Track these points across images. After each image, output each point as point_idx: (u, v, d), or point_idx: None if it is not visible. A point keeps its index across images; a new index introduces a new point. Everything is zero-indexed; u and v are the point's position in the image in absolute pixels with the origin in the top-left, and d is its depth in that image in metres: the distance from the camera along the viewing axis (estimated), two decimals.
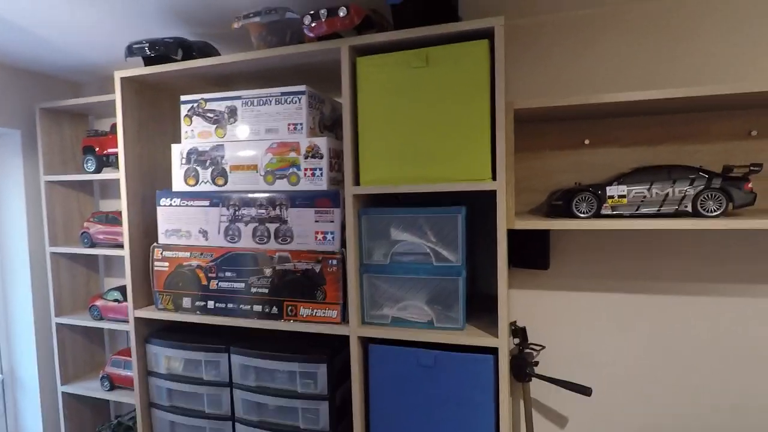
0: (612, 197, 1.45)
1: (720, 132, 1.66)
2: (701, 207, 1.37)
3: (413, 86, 1.42)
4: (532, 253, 1.78)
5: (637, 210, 1.43)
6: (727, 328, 1.71)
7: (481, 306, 1.70)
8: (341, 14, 1.42)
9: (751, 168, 1.35)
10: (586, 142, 1.79)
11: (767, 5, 1.62)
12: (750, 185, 1.36)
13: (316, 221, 1.61)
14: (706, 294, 1.73)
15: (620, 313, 1.82)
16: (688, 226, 1.33)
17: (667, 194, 1.40)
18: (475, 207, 1.82)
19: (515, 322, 1.91)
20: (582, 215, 1.48)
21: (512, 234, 1.76)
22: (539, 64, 1.85)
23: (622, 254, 1.80)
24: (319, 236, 1.61)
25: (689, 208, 1.39)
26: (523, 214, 1.73)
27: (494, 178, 1.36)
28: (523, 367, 1.71)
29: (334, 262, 1.57)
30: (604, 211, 1.46)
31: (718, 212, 1.36)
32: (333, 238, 1.59)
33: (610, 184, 1.46)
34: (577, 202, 1.48)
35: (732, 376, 1.71)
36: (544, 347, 1.85)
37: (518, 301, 1.93)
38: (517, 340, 1.83)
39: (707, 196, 1.37)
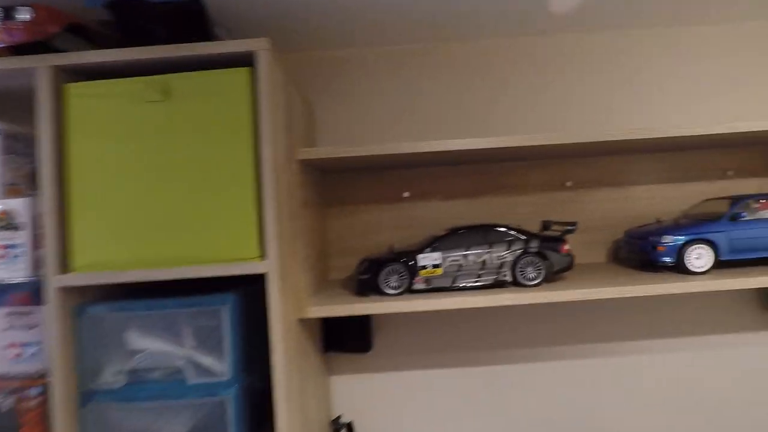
0: (425, 267, 1.17)
1: (537, 182, 1.54)
2: (521, 274, 1.16)
3: (149, 127, 0.99)
4: (350, 334, 1.43)
5: (453, 282, 1.17)
6: (568, 392, 1.55)
7: None
8: (22, 17, 0.94)
9: (567, 228, 1.19)
10: (406, 194, 1.54)
11: (588, 54, 1.57)
12: (567, 247, 1.20)
13: (9, 328, 1.04)
14: (546, 359, 1.56)
15: (459, 389, 1.55)
16: (506, 302, 1.10)
17: (484, 261, 1.17)
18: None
19: (339, 417, 1.52)
20: (392, 291, 1.17)
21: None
22: (349, 104, 1.58)
23: (454, 324, 1.56)
24: (14, 352, 1.04)
25: (508, 276, 1.16)
26: (333, 289, 1.37)
27: (264, 255, 0.97)
28: None
29: (37, 391, 1.01)
30: (417, 285, 1.17)
31: (538, 280, 1.16)
32: (36, 353, 1.03)
33: (422, 250, 1.18)
34: (385, 275, 1.17)
35: None
36: None
37: (341, 391, 1.55)
38: None
39: (526, 262, 1.16)
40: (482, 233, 1.20)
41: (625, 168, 1.54)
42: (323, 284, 1.42)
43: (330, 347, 1.45)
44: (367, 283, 1.19)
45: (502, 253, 1.18)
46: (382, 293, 1.18)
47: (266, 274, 0.96)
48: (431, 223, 1.54)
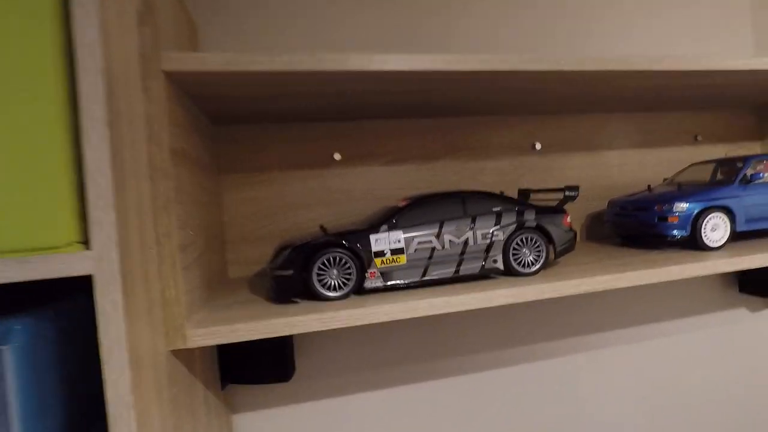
0: (382, 255, 0.76)
1: (502, 144, 1.22)
2: (515, 259, 0.82)
3: None
4: (262, 358, 0.97)
5: (424, 275, 0.78)
6: (542, 401, 1.27)
7: None
8: None
9: (568, 193, 0.87)
10: (336, 157, 1.11)
11: None
12: (569, 219, 0.88)
13: None
14: (512, 362, 1.25)
15: (405, 409, 1.18)
16: (506, 299, 0.75)
17: (466, 242, 0.80)
18: None
19: None
20: (332, 294, 0.74)
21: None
22: (247, 29, 1.10)
23: (404, 331, 1.18)
24: None
25: (500, 263, 0.81)
26: (232, 294, 0.91)
27: (87, 242, 0.49)
28: None
29: None
30: (371, 283, 0.76)
31: (538, 265, 0.83)
32: None
33: (375, 229, 0.77)
34: (321, 268, 0.74)
35: None
36: None
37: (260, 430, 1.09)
38: None
39: (522, 240, 0.82)
40: (460, 203, 0.83)
41: (597, 130, 1.29)
42: (218, 287, 0.94)
43: (232, 379, 0.98)
44: (290, 283, 0.75)
45: (491, 230, 0.82)
46: (316, 296, 0.75)
47: (92, 276, 0.48)
48: (370, 198, 1.14)
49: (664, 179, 1.20)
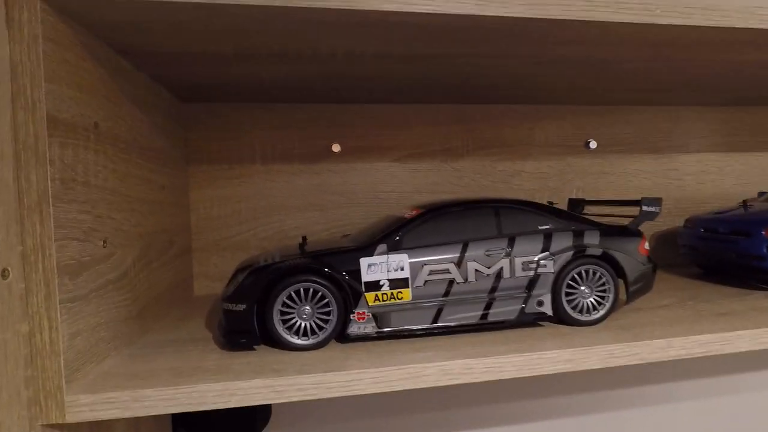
0: (376, 287, 0.53)
1: (546, 140, 0.97)
2: (570, 302, 0.57)
3: None
4: (220, 416, 0.75)
5: (436, 320, 0.54)
6: None
7: None
8: None
9: (648, 209, 0.61)
10: (335, 148, 0.89)
11: None
12: (646, 246, 0.62)
13: None
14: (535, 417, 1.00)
15: None
16: (561, 367, 0.50)
17: (500, 273, 0.55)
18: None
19: None
20: (301, 342, 0.51)
21: None
22: None
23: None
24: None
25: (547, 306, 0.56)
26: (185, 326, 0.69)
27: None
28: None
29: None
30: (357, 328, 0.53)
31: (604, 310, 0.58)
32: None
33: (369, 248, 0.54)
34: (284, 304, 0.51)
35: None
36: None
37: None
38: None
39: (581, 275, 0.57)
40: (492, 216, 0.59)
41: (669, 126, 1.02)
42: (163, 312, 0.72)
43: None
44: (242, 321, 0.52)
45: (536, 258, 0.57)
46: (278, 343, 0.53)
47: None
48: (376, 202, 0.91)
49: (761, 193, 0.92)
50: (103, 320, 0.50)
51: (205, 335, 0.60)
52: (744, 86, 0.86)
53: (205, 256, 0.86)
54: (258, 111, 0.86)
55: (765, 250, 0.71)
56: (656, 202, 0.63)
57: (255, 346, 0.54)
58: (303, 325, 0.52)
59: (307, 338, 0.52)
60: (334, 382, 0.46)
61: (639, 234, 0.62)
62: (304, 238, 0.62)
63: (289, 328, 0.52)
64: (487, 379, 0.48)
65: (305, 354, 0.51)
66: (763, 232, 0.72)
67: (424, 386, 0.47)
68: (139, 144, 0.62)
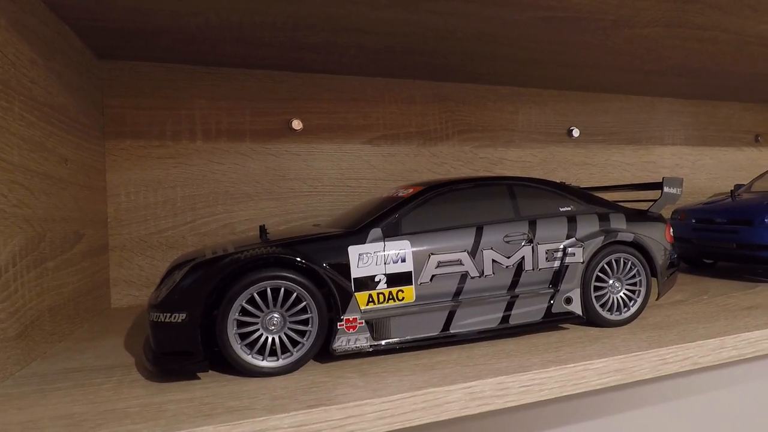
0: (370, 284, 0.39)
1: (529, 126, 0.88)
2: (599, 297, 0.47)
3: None
4: None
5: (448, 326, 0.42)
6: None
7: None
8: None
9: (666, 189, 0.54)
10: (296, 125, 0.74)
11: None
12: (671, 231, 0.54)
13: None
14: None
15: None
16: (610, 381, 0.39)
17: (521, 264, 0.44)
18: None
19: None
20: (267, 364, 0.36)
21: None
22: None
23: None
24: None
25: (576, 304, 0.46)
26: (80, 354, 0.50)
27: None
28: None
29: None
30: (347, 341, 0.39)
31: (634, 308, 0.48)
32: None
33: (361, 235, 0.40)
34: (244, 316, 0.36)
35: None
36: None
37: None
38: None
39: (611, 265, 0.47)
40: (507, 196, 0.47)
41: (646, 117, 0.98)
42: (80, 330, 0.53)
43: None
44: (181, 337, 0.36)
45: (562, 245, 0.46)
46: (235, 365, 0.37)
47: None
48: (344, 190, 0.77)
49: (737, 186, 0.90)
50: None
51: (124, 360, 0.43)
52: (719, 76, 0.83)
53: (126, 257, 0.67)
54: (199, 75, 0.69)
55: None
56: (678, 182, 0.55)
57: (199, 373, 0.38)
58: (269, 339, 0.38)
59: (275, 359, 0.37)
60: (321, 422, 0.31)
61: (662, 219, 0.54)
62: (263, 227, 0.47)
63: (250, 345, 0.37)
64: (525, 401, 0.36)
65: (273, 381, 0.36)
66: (767, 220, 0.67)
67: (447, 417, 0.34)
68: (27, 92, 0.44)
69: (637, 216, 0.52)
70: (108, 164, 0.66)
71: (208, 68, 0.70)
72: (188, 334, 0.36)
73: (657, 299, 0.55)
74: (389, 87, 0.79)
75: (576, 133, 0.91)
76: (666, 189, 0.54)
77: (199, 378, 0.37)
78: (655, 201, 0.55)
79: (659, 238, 0.52)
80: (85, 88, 0.60)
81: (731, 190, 0.80)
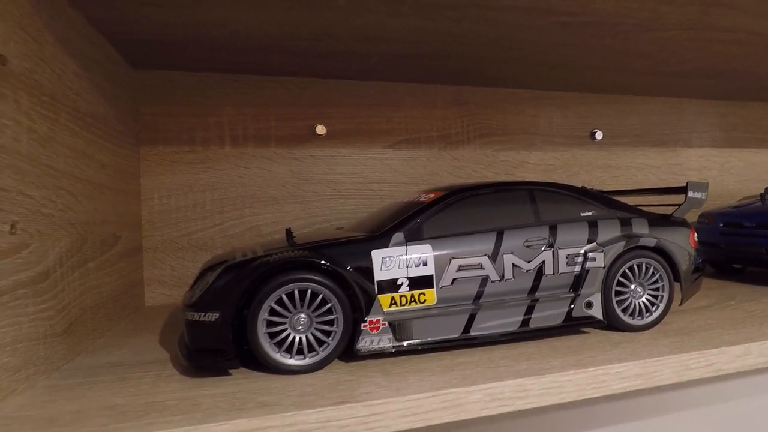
0: (393, 287, 0.40)
1: (551, 129, 0.88)
2: (619, 305, 0.47)
3: None
4: None
5: (468, 328, 0.42)
6: None
7: None
8: None
9: (691, 194, 0.53)
10: (320, 130, 0.76)
11: None
12: (696, 236, 0.54)
13: None
14: None
15: None
16: (632, 386, 0.39)
17: (541, 269, 0.44)
18: None
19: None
20: (295, 362, 0.38)
21: None
22: None
23: None
24: None
25: (597, 308, 0.46)
26: (122, 349, 0.53)
27: None
28: None
29: None
30: (370, 342, 0.40)
31: (657, 314, 0.48)
32: None
33: (384, 239, 0.42)
34: (273, 316, 0.38)
35: None
36: None
37: None
38: None
39: (632, 270, 0.47)
40: (528, 201, 0.48)
41: (673, 119, 0.97)
42: (118, 327, 0.56)
43: None
44: (214, 336, 0.38)
45: (582, 249, 0.47)
46: (265, 363, 0.39)
47: None
48: (367, 193, 0.78)
49: None
50: (8, 339, 0.35)
51: (159, 356, 0.45)
52: (745, 78, 0.81)
53: (158, 257, 0.70)
54: (228, 83, 0.72)
55: None
56: (703, 187, 0.55)
57: (231, 370, 0.40)
58: (297, 339, 0.39)
59: (302, 357, 0.39)
60: (347, 418, 0.33)
61: (686, 224, 0.54)
62: (289, 231, 0.49)
63: (279, 344, 0.39)
64: (544, 403, 0.37)
65: (300, 379, 0.38)
66: None
67: (467, 417, 0.35)
68: (71, 104, 0.47)
69: (660, 221, 0.52)
70: (142, 169, 0.70)
71: (234, 76, 0.72)
72: (220, 332, 0.38)
73: (680, 304, 0.54)
74: (410, 92, 0.80)
75: (599, 135, 0.90)
76: (690, 194, 0.54)
77: (230, 374, 0.39)
78: (679, 206, 0.55)
79: (683, 243, 0.52)
80: (121, 97, 0.63)
81: (761, 194, 0.78)
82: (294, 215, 0.75)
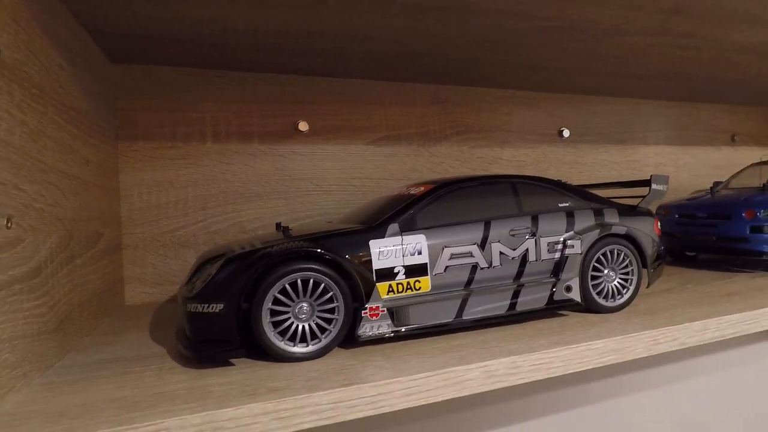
0: (390, 275, 0.42)
1: (521, 127, 0.93)
2: (596, 285, 0.51)
3: None
4: None
5: (461, 313, 0.45)
6: None
7: None
8: None
9: (654, 186, 0.58)
10: (303, 127, 0.76)
11: None
12: (659, 224, 0.59)
13: None
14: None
15: None
16: (610, 360, 0.43)
17: (525, 256, 0.48)
18: None
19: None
20: (298, 350, 0.39)
21: None
22: None
23: None
24: None
25: (575, 292, 0.50)
26: (115, 342, 0.52)
27: None
28: None
29: None
30: (370, 328, 0.42)
31: (627, 295, 0.53)
32: None
33: (380, 230, 0.44)
34: (277, 305, 0.39)
35: None
36: None
37: None
38: None
39: (606, 256, 0.52)
40: (510, 193, 0.51)
41: (632, 119, 1.03)
42: (87, 323, 0.55)
43: None
44: (218, 327, 0.39)
45: (562, 238, 0.50)
46: (269, 352, 0.40)
47: None
48: (349, 189, 0.80)
49: (716, 183, 0.95)
50: (6, 335, 0.34)
51: (155, 351, 0.45)
52: (698, 81, 0.88)
53: (139, 255, 0.69)
54: (209, 78, 0.72)
55: (747, 232, 0.72)
56: (664, 179, 0.60)
57: (232, 360, 0.40)
58: (300, 327, 0.41)
59: (305, 345, 0.40)
60: (356, 398, 0.35)
61: (651, 213, 0.59)
62: (282, 225, 0.50)
63: (282, 333, 0.40)
64: (535, 378, 0.40)
65: (305, 365, 0.39)
66: (744, 215, 0.72)
67: (467, 393, 0.38)
68: (58, 97, 0.46)
69: (628, 211, 0.57)
70: (121, 165, 0.68)
71: (217, 71, 0.72)
72: (225, 323, 0.39)
73: (647, 287, 0.59)
74: (391, 90, 0.82)
75: (566, 133, 0.95)
76: (654, 186, 0.59)
77: (233, 364, 0.40)
78: (644, 197, 0.59)
79: (649, 231, 0.56)
80: (102, 92, 0.61)
81: (710, 187, 0.86)
82: (277, 211, 0.76)
